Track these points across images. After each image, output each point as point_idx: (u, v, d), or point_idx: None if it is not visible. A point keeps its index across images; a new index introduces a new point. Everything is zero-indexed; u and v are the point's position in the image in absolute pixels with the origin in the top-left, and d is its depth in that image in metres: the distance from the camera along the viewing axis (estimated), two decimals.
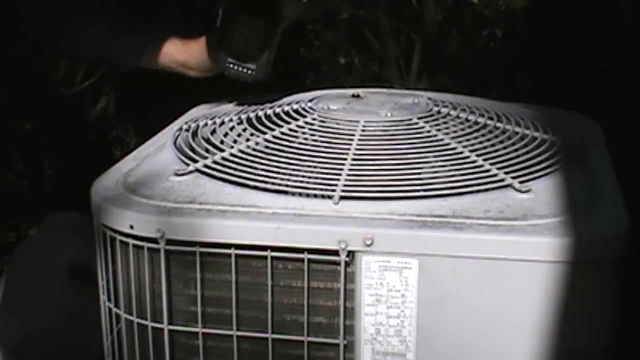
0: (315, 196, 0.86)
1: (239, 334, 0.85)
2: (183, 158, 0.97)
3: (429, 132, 0.99)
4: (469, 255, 0.79)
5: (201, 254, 0.83)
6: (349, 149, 0.94)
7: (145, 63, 1.30)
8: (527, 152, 0.95)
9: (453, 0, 2.22)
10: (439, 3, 2.23)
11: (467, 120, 1.05)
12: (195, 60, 1.28)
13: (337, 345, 0.83)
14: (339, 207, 0.84)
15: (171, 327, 0.86)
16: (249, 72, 1.13)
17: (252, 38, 1.11)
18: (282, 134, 1.01)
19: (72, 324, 1.40)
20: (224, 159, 0.95)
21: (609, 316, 0.81)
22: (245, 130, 1.05)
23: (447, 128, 1.02)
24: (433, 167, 0.93)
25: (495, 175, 0.89)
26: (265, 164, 0.93)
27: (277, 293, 0.83)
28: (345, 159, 0.93)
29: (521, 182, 0.87)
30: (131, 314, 0.87)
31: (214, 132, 1.06)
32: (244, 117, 1.09)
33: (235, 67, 1.13)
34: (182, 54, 1.29)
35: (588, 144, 1.03)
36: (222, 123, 1.08)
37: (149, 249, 0.84)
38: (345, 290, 0.82)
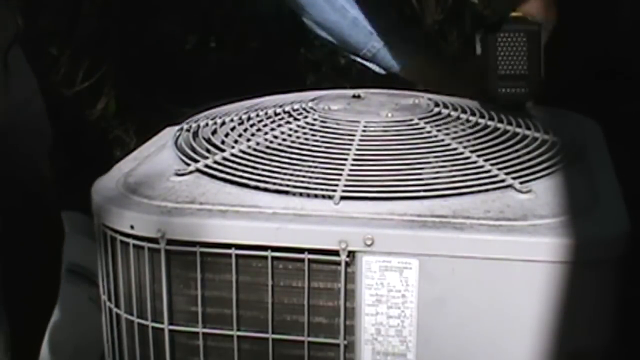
0: (316, 196, 0.86)
1: (239, 333, 0.85)
2: (183, 158, 0.97)
3: (429, 132, 0.99)
4: (469, 255, 0.79)
5: (201, 253, 0.83)
6: (349, 149, 0.94)
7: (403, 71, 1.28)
8: (528, 153, 0.95)
9: (453, 0, 2.23)
10: (439, 3, 2.23)
11: (468, 121, 1.06)
12: (434, 85, 1.25)
13: (337, 345, 0.83)
14: (339, 207, 0.84)
15: (171, 327, 0.86)
16: (522, 89, 1.08)
17: (516, 54, 1.06)
18: (283, 133, 1.01)
19: (72, 323, 1.40)
20: (224, 158, 0.95)
21: (609, 316, 0.81)
22: (245, 130, 1.05)
23: (447, 128, 1.02)
24: (433, 167, 0.93)
25: (496, 176, 0.89)
26: (266, 164, 0.93)
27: (277, 293, 0.83)
28: (346, 159, 0.93)
29: (521, 183, 0.88)
30: (131, 314, 0.87)
31: (214, 132, 1.06)
32: (244, 117, 1.09)
33: (507, 90, 1.07)
34: (426, 74, 1.28)
35: (588, 144, 1.03)
36: (223, 123, 1.08)
37: (149, 248, 0.84)
38: (346, 290, 0.82)
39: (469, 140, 0.99)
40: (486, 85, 1.09)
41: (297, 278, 0.83)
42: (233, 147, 0.98)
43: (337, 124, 1.01)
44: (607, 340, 0.81)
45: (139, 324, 0.87)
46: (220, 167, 0.92)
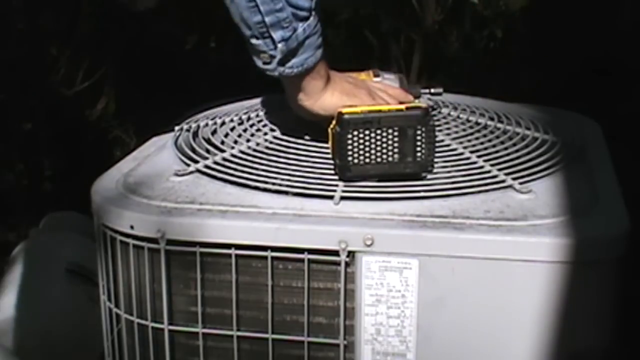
0: (316, 196, 0.86)
1: (239, 334, 0.85)
2: (183, 158, 0.97)
3: None
4: (469, 255, 0.79)
5: (201, 254, 0.83)
6: None
7: None
8: (528, 153, 0.95)
9: (453, 1, 2.23)
10: (439, 3, 2.23)
11: (468, 121, 1.05)
12: None
13: (337, 345, 0.83)
14: (339, 207, 0.84)
15: (171, 327, 0.86)
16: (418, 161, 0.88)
17: (376, 143, 0.87)
18: (283, 134, 1.01)
19: (72, 323, 1.40)
20: (224, 159, 0.95)
21: (609, 316, 0.81)
22: (245, 130, 1.05)
23: (447, 129, 1.02)
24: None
25: (496, 176, 0.89)
26: (265, 164, 0.93)
27: (277, 293, 0.83)
28: None
29: (521, 183, 0.87)
30: (131, 314, 0.87)
31: (214, 132, 1.06)
32: (244, 117, 1.09)
33: (410, 164, 0.88)
34: None
35: (588, 144, 1.03)
36: (223, 123, 1.08)
37: (149, 249, 0.84)
38: (345, 290, 0.81)
39: (469, 141, 0.99)
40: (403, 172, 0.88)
41: (297, 278, 0.83)
42: (233, 148, 0.98)
43: None
44: (606, 340, 0.81)
45: (139, 324, 0.87)
46: (220, 168, 0.92)
